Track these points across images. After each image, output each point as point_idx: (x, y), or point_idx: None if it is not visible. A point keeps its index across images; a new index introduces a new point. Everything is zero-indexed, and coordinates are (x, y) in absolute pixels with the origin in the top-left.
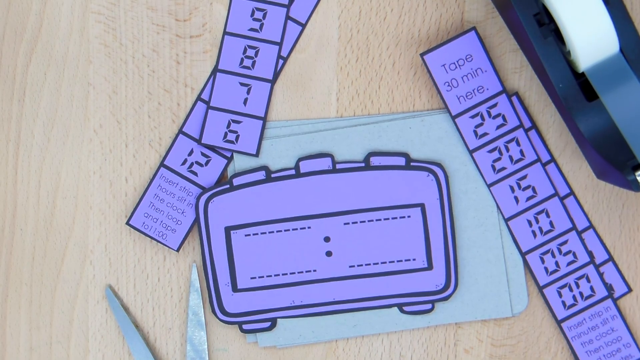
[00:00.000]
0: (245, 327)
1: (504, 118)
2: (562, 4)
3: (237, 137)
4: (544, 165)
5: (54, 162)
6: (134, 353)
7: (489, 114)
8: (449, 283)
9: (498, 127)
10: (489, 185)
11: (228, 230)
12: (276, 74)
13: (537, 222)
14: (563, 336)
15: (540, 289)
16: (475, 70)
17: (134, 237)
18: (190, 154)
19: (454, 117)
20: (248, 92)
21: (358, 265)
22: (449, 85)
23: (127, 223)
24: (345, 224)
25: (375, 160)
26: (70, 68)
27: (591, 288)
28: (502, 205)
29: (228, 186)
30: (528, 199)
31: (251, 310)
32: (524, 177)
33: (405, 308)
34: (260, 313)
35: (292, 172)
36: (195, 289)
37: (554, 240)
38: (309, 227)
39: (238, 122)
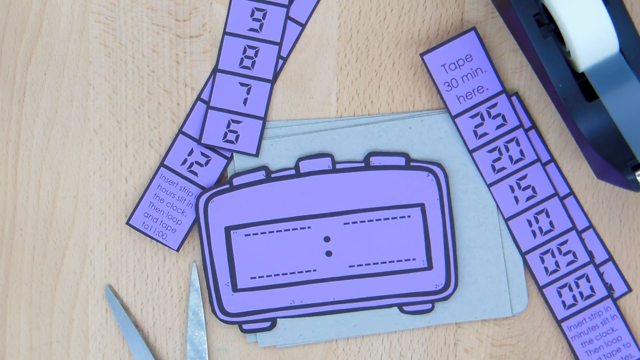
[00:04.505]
0: (245, 327)
1: (503, 118)
2: (562, 4)
3: (237, 137)
4: (544, 165)
5: (54, 162)
6: (134, 353)
7: (489, 114)
8: (449, 283)
9: (498, 127)
10: (489, 185)
11: (228, 230)
12: (276, 74)
13: (537, 222)
14: (563, 336)
15: (540, 289)
16: (475, 70)
17: (134, 237)
18: (190, 154)
19: (454, 117)
20: (248, 92)
21: (358, 265)
22: (448, 85)
23: (127, 223)
24: (345, 223)
25: (375, 160)
26: (70, 68)
27: (591, 288)
28: (502, 205)
29: (228, 186)
30: (528, 198)
31: (251, 310)
32: (524, 177)
33: (405, 308)
34: (260, 313)
35: (292, 172)
36: (195, 289)
37: (554, 240)
38: (309, 227)
39: (238, 122)
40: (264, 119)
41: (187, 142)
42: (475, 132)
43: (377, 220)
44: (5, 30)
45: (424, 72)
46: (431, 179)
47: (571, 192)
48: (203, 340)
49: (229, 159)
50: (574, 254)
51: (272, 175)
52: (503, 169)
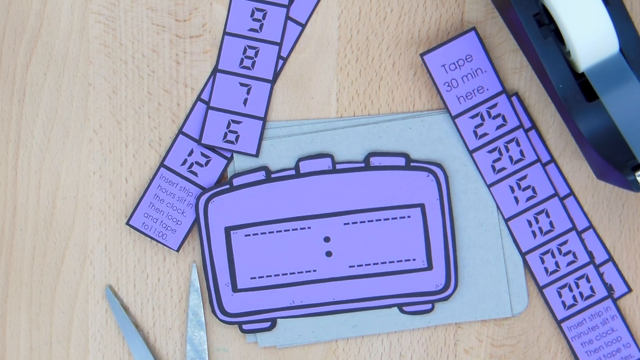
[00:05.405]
0: (245, 327)
1: (503, 118)
2: (562, 4)
3: (237, 137)
4: (544, 165)
5: (54, 162)
6: (134, 353)
7: (489, 114)
8: (449, 283)
9: (498, 128)
10: (489, 186)
11: (228, 230)
12: (276, 74)
13: (537, 222)
14: (563, 336)
15: (540, 289)
16: (475, 71)
17: (134, 237)
18: (190, 154)
19: (454, 118)
20: (248, 92)
21: (358, 266)
22: (448, 86)
23: (127, 223)
24: (345, 224)
25: (375, 161)
26: (70, 68)
27: (591, 288)
28: (502, 206)
29: (228, 186)
30: (528, 199)
31: (251, 310)
32: (524, 177)
33: (405, 308)
34: (260, 313)
35: (292, 172)
36: (195, 289)
37: (554, 240)
38: (309, 227)
39: (238, 122)
40: (264, 119)
41: (187, 143)
42: (475, 133)
43: (377, 220)
44: (5, 30)
45: (424, 72)
46: (431, 179)
47: (571, 193)
48: (203, 341)
49: (229, 159)
50: (574, 254)
51: (272, 176)
52: (503, 169)
